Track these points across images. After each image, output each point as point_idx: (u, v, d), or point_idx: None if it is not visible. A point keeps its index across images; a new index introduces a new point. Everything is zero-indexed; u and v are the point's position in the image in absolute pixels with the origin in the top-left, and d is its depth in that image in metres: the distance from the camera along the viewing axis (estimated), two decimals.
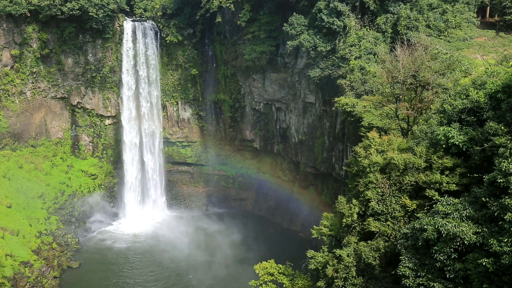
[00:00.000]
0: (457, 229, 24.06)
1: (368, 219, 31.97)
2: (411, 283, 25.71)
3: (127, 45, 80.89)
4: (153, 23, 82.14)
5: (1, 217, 68.79)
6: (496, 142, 25.86)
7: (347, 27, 64.06)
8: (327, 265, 34.10)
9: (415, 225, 26.40)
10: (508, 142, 25.25)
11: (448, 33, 63.50)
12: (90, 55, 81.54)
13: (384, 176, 32.18)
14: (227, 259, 72.48)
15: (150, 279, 67.99)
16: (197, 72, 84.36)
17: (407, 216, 30.61)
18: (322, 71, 66.74)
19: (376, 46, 63.08)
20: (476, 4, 70.17)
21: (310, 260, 36.55)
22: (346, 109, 55.47)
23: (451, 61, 42.19)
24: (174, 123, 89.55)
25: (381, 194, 31.79)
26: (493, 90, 28.55)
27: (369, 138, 36.57)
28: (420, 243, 25.80)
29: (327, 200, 75.00)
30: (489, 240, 23.06)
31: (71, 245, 74.73)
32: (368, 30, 66.30)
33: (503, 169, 23.74)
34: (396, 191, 31.29)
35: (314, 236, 40.17)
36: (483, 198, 24.63)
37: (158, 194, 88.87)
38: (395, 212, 30.96)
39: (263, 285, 45.18)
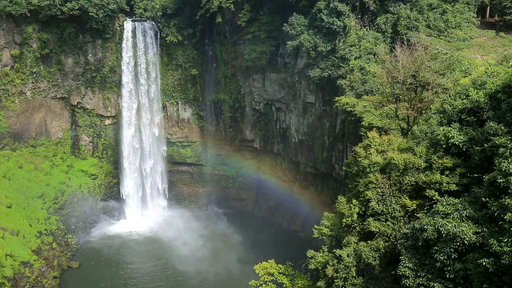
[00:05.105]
0: (457, 229, 24.04)
1: (368, 219, 31.95)
2: (411, 283, 25.70)
3: (127, 45, 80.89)
4: (153, 23, 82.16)
5: (1, 217, 68.77)
6: (496, 142, 25.83)
7: (347, 27, 64.07)
8: (327, 265, 34.08)
9: (415, 225, 26.38)
10: (508, 142, 25.22)
11: (448, 33, 63.47)
12: (90, 55, 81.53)
13: (384, 176, 32.15)
14: (227, 259, 72.50)
15: (150, 279, 67.98)
16: (197, 72, 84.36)
17: (407, 216, 30.59)
18: (322, 71, 66.74)
19: (376, 46, 63.07)
20: (476, 4, 70.11)
21: (310, 260, 36.53)
22: (347, 109, 55.46)
23: (451, 61, 42.17)
24: (174, 123, 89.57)
25: (381, 194, 31.77)
26: (493, 90, 28.52)
27: (369, 138, 36.53)
28: (420, 243, 25.78)
29: (327, 200, 75.00)
30: (489, 240, 23.03)
31: (71, 245, 74.75)
32: (368, 30, 66.30)
33: (503, 169, 23.72)
34: (396, 191, 31.26)
35: (314, 236, 40.16)
36: (483, 198, 24.60)
37: (158, 194, 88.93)
38: (395, 212, 30.94)
39: (263, 285, 45.20)
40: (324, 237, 38.01)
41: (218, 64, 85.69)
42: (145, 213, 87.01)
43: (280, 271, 45.60)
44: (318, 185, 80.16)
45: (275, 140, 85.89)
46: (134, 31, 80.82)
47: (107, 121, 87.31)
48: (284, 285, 43.78)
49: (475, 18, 67.75)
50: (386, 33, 65.53)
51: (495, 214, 23.54)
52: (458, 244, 24.15)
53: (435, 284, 24.86)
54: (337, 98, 59.33)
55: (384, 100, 45.33)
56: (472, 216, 24.74)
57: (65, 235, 75.75)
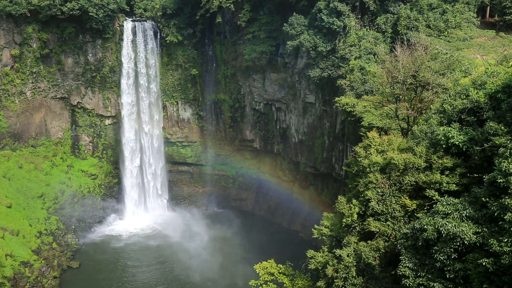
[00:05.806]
0: (457, 229, 24.04)
1: (368, 219, 31.94)
2: (411, 283, 25.70)
3: (127, 45, 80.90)
4: (153, 23, 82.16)
5: (1, 217, 68.78)
6: (496, 142, 25.83)
7: (347, 27, 64.07)
8: (327, 265, 34.08)
9: (415, 225, 26.39)
10: (508, 142, 25.22)
11: (448, 33, 63.49)
12: (90, 55, 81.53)
13: (384, 176, 32.15)
14: (227, 259, 72.49)
15: (150, 279, 67.97)
16: (197, 72, 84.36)
17: (407, 216, 30.58)
18: (322, 71, 66.74)
19: (376, 46, 63.09)
20: (476, 4, 70.13)
21: (310, 260, 36.53)
22: (347, 109, 55.47)
23: (451, 61, 42.21)
24: (174, 123, 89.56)
25: (381, 194, 31.77)
26: (493, 90, 28.53)
27: (369, 138, 36.53)
28: (420, 243, 25.78)
29: (327, 200, 75.00)
30: (489, 240, 23.03)
31: (71, 245, 74.75)
32: (368, 30, 66.31)
33: (503, 169, 23.72)
34: (396, 191, 31.26)
35: (314, 236, 40.17)
36: (483, 198, 24.61)
37: (158, 194, 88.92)
38: (395, 212, 30.93)
39: (263, 285, 45.16)
40: (324, 237, 38.00)
41: (218, 64, 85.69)
42: (145, 213, 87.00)
43: (280, 271, 45.54)
44: (318, 185, 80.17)
45: (275, 140, 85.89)
46: (134, 31, 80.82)
47: (107, 121, 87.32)
48: (284, 285, 43.73)
49: (475, 18, 67.76)
50: (386, 33, 65.55)
51: (495, 214, 23.55)
52: (458, 244, 24.15)
53: (435, 284, 24.86)
54: (337, 98, 59.33)
55: (384, 100, 45.34)
56: (472, 216, 24.75)
57: (65, 235, 75.75)
